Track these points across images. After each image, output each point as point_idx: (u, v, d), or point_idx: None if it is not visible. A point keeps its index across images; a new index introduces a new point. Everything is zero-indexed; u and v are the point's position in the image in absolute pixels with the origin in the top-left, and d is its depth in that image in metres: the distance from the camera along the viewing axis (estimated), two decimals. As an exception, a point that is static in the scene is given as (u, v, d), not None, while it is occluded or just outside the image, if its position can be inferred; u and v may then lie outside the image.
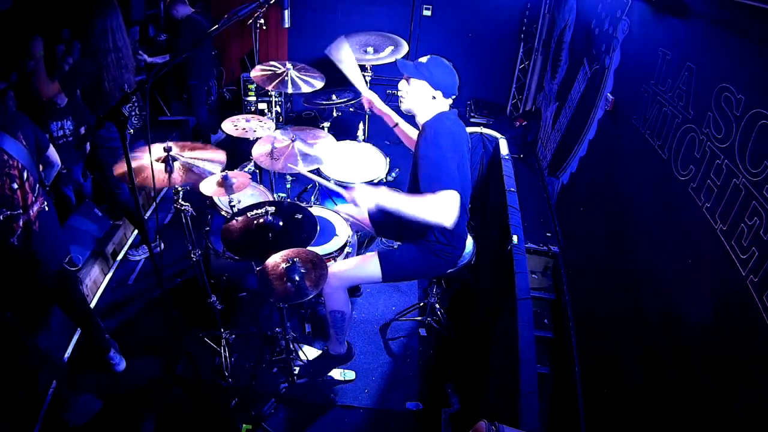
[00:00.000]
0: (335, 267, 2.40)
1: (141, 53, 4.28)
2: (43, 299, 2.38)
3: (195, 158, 2.26)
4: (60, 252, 2.26)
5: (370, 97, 2.57)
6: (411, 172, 2.35)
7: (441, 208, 1.88)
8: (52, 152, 2.34)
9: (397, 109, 2.25)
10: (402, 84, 2.21)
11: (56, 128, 3.32)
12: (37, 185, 2.10)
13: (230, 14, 1.61)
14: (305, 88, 3.07)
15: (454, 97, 2.19)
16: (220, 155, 2.35)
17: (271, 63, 3.19)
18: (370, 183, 3.16)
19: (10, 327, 2.27)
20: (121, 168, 2.16)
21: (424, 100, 2.16)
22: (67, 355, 2.75)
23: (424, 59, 2.16)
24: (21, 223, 2.03)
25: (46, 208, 2.16)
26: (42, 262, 2.17)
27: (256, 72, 3.10)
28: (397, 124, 2.64)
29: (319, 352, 2.78)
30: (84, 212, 3.40)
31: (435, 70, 2.12)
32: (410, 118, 2.32)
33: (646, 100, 2.59)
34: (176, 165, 2.16)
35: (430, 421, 2.55)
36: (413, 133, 2.68)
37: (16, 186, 1.98)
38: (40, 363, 2.46)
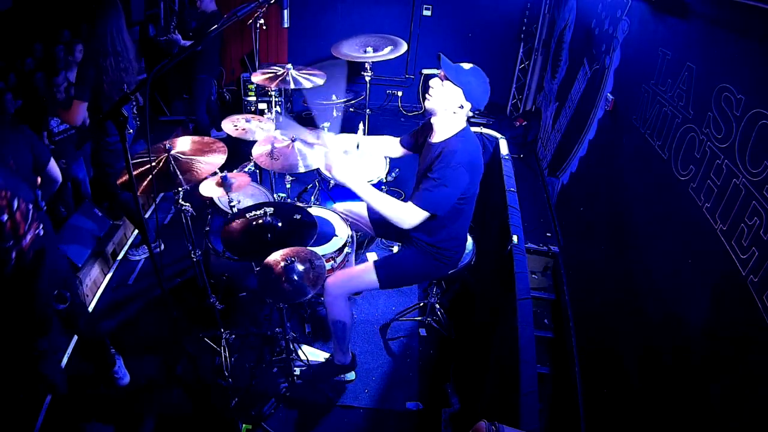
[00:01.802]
0: (335, 277, 2.40)
1: (176, 34, 4.30)
2: (42, 325, 2.19)
3: (195, 155, 2.26)
4: (57, 278, 2.11)
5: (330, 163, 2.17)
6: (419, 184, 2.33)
7: (407, 218, 2.06)
8: (53, 168, 2.20)
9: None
10: (435, 82, 2.09)
11: (56, 124, 3.32)
12: (30, 211, 1.95)
13: (229, 14, 1.61)
14: (306, 84, 3.10)
15: (477, 111, 2.14)
16: (221, 150, 2.33)
17: (271, 68, 3.22)
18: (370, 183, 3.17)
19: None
20: (124, 176, 2.08)
21: (451, 106, 2.07)
22: (66, 357, 2.75)
23: (467, 66, 2.07)
24: (14, 255, 1.89)
25: (41, 233, 2.00)
26: (39, 290, 2.03)
27: (256, 77, 3.12)
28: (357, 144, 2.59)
29: (319, 352, 2.78)
30: (84, 212, 3.40)
31: (474, 81, 2.05)
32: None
33: (646, 100, 2.59)
34: (177, 166, 2.16)
35: (430, 421, 2.55)
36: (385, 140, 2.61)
37: (5, 218, 1.82)
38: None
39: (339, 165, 2.11)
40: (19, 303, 2.00)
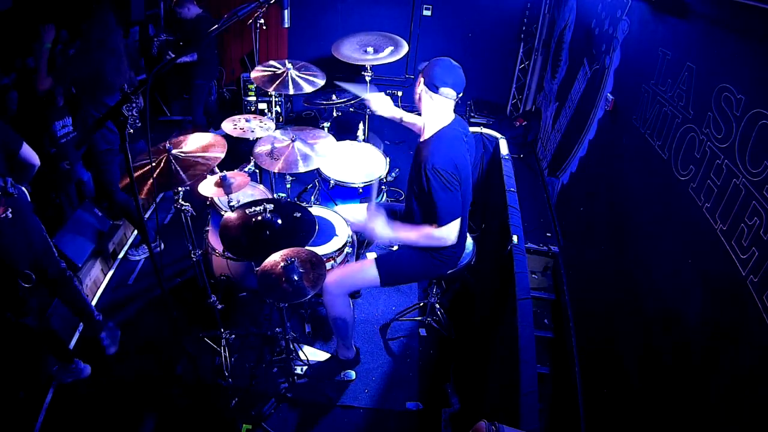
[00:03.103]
0: (334, 275, 2.40)
1: (169, 52, 4.34)
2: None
3: (195, 151, 2.26)
4: (26, 257, 2.25)
5: (375, 99, 2.64)
6: (410, 185, 2.34)
7: (445, 238, 2.16)
8: (27, 152, 2.30)
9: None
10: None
11: (59, 127, 3.33)
12: None
13: (230, 14, 1.61)
14: (307, 88, 3.09)
15: (455, 96, 2.12)
16: (220, 143, 2.34)
17: (271, 63, 3.19)
18: (370, 183, 3.17)
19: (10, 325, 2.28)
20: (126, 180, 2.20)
21: (417, 91, 2.17)
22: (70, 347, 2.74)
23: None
24: None
25: (9, 216, 2.14)
26: (9, 264, 2.19)
27: (255, 73, 3.10)
28: (401, 119, 2.71)
29: (319, 352, 2.78)
30: (84, 212, 3.40)
31: (431, 65, 2.12)
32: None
33: (646, 100, 2.59)
34: (178, 163, 2.17)
35: (430, 421, 2.55)
36: (418, 120, 2.69)
37: None
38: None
39: (378, 227, 2.25)
40: None
